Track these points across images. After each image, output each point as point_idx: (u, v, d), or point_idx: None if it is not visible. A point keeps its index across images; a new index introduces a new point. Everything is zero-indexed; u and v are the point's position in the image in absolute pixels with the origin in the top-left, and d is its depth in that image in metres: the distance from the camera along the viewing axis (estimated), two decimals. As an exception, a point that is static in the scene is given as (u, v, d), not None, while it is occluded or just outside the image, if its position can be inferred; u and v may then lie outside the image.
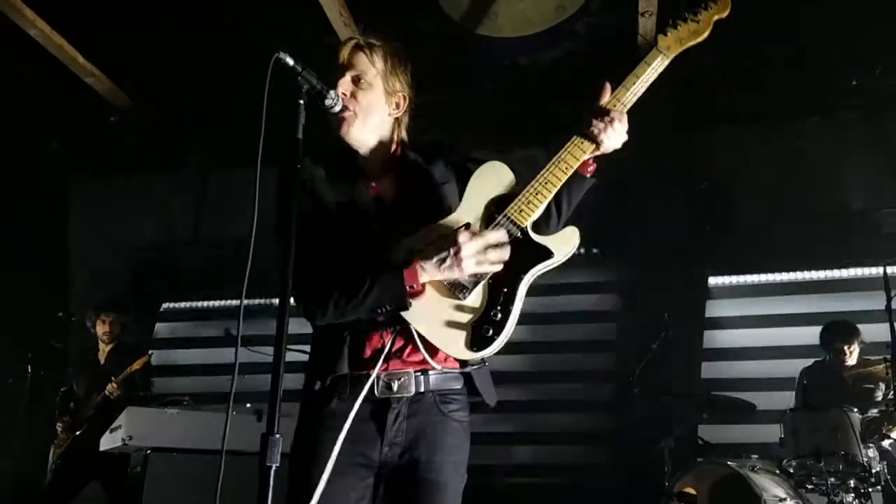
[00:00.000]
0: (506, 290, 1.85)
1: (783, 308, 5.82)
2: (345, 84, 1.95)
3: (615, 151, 1.96)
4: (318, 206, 1.93)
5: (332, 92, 1.87)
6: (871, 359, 4.72)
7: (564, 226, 1.98)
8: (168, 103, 6.10)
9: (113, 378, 5.02)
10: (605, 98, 1.95)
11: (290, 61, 1.73)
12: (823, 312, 5.39)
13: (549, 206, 1.93)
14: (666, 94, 5.01)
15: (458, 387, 1.93)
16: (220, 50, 5.38)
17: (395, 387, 1.86)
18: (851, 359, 4.83)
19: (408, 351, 1.88)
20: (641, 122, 1.98)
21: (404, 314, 1.83)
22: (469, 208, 1.93)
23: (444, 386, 1.91)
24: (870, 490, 4.06)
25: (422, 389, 1.88)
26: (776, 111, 5.82)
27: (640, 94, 1.94)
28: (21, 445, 5.71)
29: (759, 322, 5.84)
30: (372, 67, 1.98)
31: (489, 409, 2.00)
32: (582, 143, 1.92)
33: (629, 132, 1.94)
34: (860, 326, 4.91)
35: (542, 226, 1.96)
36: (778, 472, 4.29)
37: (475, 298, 1.85)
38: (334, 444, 1.77)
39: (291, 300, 1.66)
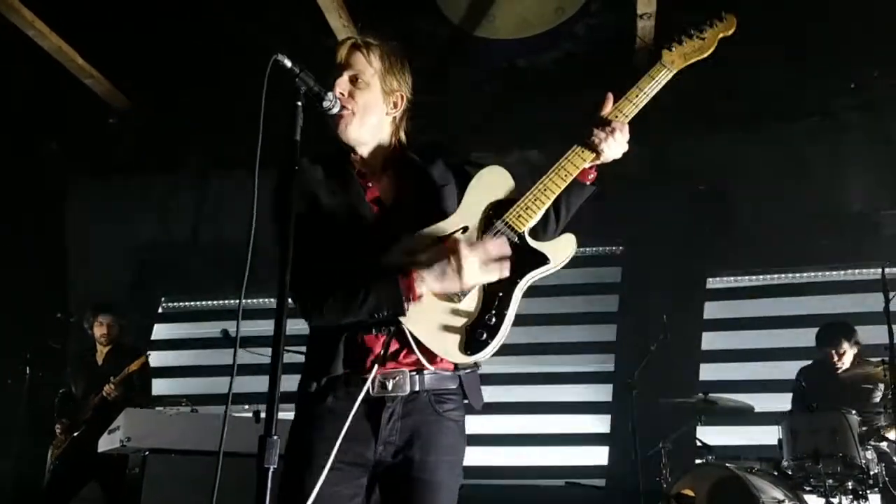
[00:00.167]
0: (501, 294, 1.85)
1: (782, 310, 5.82)
2: (342, 83, 1.96)
3: (615, 160, 1.97)
4: (316, 207, 1.93)
5: (329, 94, 1.87)
6: (869, 360, 4.71)
7: (563, 232, 1.98)
8: (167, 104, 6.11)
9: (111, 379, 5.01)
10: (608, 108, 1.96)
11: (288, 63, 1.73)
12: (822, 314, 5.38)
13: (547, 212, 1.93)
14: (666, 95, 5.00)
15: (454, 386, 1.93)
16: (218, 51, 5.38)
17: (389, 386, 1.85)
18: (845, 360, 4.79)
19: (403, 352, 1.87)
20: (641, 123, 1.98)
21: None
22: (467, 211, 1.93)
23: (439, 385, 1.90)
24: (868, 492, 4.07)
25: (417, 389, 1.87)
26: (776, 112, 5.82)
27: (641, 106, 1.96)
28: (20, 446, 5.70)
29: (757, 324, 5.84)
30: (369, 67, 1.98)
31: (489, 409, 2.00)
32: (582, 151, 1.93)
33: (629, 140, 1.95)
34: (858, 328, 4.88)
35: (539, 231, 1.96)
36: (776, 473, 4.29)
37: (470, 302, 1.85)
38: (329, 444, 1.76)
39: (290, 301, 1.66)
